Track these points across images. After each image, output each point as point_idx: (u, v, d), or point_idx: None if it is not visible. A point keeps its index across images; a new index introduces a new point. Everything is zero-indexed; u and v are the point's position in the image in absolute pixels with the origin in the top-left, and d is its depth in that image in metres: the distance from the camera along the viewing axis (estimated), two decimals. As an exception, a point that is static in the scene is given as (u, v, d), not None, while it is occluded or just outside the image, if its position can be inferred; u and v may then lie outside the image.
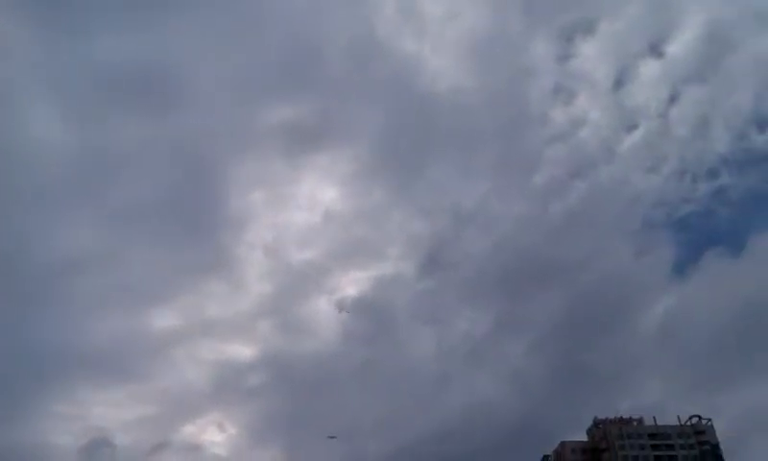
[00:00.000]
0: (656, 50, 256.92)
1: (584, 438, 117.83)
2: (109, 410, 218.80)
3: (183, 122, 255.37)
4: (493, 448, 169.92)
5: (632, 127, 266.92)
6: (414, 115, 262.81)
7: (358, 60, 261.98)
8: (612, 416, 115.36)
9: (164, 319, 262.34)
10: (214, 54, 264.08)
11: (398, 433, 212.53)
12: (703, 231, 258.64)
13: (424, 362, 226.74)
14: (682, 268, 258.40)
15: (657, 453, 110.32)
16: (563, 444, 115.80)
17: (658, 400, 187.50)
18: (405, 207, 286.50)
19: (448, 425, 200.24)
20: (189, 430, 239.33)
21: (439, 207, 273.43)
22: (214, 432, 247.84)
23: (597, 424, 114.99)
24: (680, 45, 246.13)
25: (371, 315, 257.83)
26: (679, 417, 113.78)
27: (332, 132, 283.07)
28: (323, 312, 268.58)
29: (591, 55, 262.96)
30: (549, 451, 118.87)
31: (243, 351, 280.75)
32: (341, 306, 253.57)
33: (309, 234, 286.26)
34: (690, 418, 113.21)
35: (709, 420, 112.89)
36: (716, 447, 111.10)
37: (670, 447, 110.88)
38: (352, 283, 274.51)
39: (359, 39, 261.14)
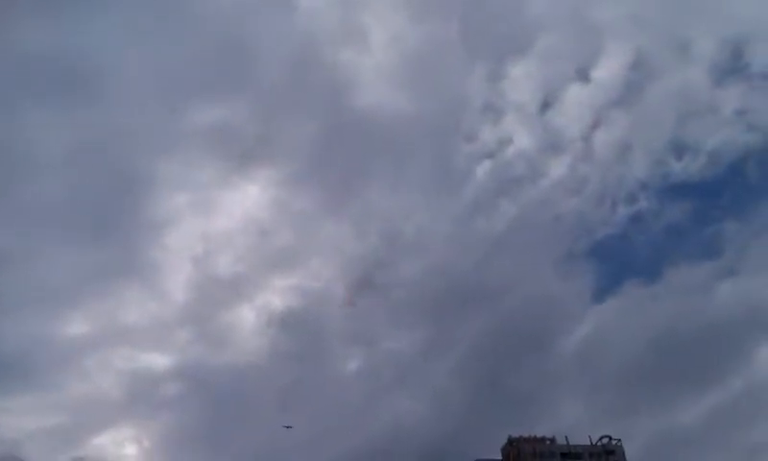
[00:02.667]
0: (583, 74, 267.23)
1: (499, 457, 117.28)
2: (14, 419, 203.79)
3: (102, 118, 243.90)
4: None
5: (557, 149, 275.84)
6: (347, 129, 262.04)
7: (294, 67, 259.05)
8: (526, 435, 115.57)
9: (76, 324, 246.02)
10: (139, 48, 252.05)
11: (324, 452, 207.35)
12: (622, 258, 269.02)
13: (351, 382, 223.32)
14: (601, 294, 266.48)
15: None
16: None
17: (573, 422, 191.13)
18: (336, 223, 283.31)
19: (373, 445, 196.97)
20: (101, 442, 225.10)
21: (372, 229, 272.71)
22: (127, 445, 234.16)
23: (511, 442, 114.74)
24: (606, 71, 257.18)
25: (298, 330, 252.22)
26: (590, 437, 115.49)
27: (263, 138, 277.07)
28: (246, 323, 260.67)
29: (520, 76, 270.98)
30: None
31: (159, 360, 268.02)
32: (270, 322, 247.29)
33: (234, 242, 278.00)
34: (601, 438, 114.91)
35: (619, 440, 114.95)
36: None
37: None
38: (278, 295, 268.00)
39: (297, 47, 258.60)
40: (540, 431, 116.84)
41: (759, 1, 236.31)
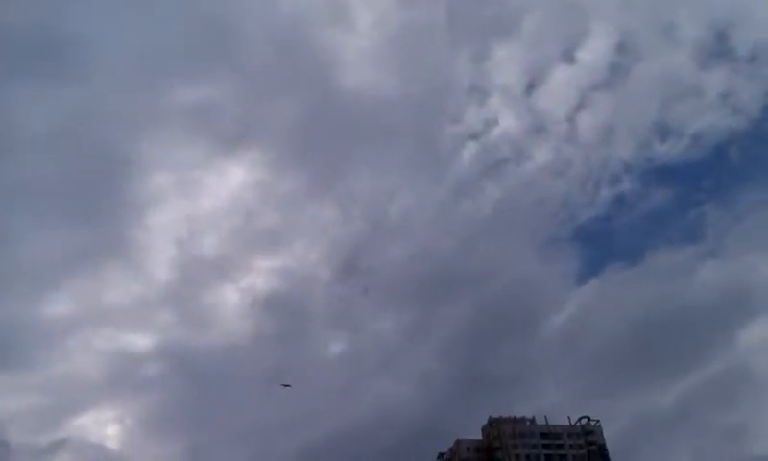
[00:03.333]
0: (568, 55, 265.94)
1: (480, 437, 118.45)
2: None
3: (86, 96, 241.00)
4: (398, 448, 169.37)
5: (542, 131, 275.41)
6: (333, 111, 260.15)
7: (280, 48, 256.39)
8: (506, 416, 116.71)
9: (57, 305, 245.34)
10: (121, 25, 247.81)
11: (306, 433, 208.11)
12: (604, 241, 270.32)
13: (335, 364, 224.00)
14: (583, 277, 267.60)
15: (547, 452, 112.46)
16: (457, 442, 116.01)
17: (554, 404, 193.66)
18: (322, 205, 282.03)
19: (356, 426, 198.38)
20: (82, 422, 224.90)
21: (357, 211, 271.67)
22: (109, 425, 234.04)
23: (491, 423, 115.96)
24: (591, 52, 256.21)
25: (282, 313, 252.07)
26: (569, 418, 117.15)
27: (247, 119, 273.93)
28: (229, 305, 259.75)
29: (506, 57, 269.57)
30: (445, 450, 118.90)
31: (141, 340, 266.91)
32: (254, 304, 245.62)
33: (218, 223, 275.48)
34: (580, 419, 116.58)
35: (597, 421, 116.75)
36: (603, 447, 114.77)
37: (560, 446, 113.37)
38: (262, 277, 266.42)
39: (282, 28, 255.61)
40: (521, 412, 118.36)
41: None
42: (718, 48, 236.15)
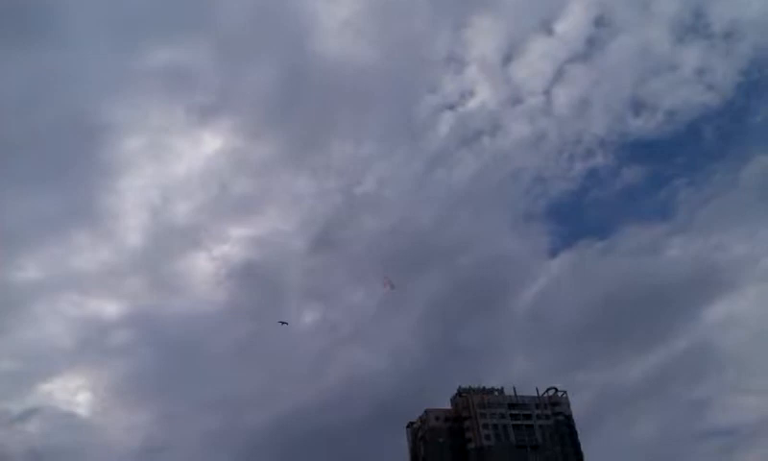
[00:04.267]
0: (546, 28, 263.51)
1: (449, 407, 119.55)
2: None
3: (54, 57, 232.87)
4: (369, 418, 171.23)
5: (518, 102, 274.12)
6: (310, 79, 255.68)
7: (257, 12, 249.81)
8: (475, 386, 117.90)
9: (25, 270, 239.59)
10: None
11: (278, 404, 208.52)
12: (577, 216, 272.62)
13: (308, 335, 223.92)
14: (555, 252, 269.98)
15: (515, 422, 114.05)
16: (427, 411, 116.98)
17: (524, 376, 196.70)
18: (297, 175, 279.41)
19: (329, 397, 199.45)
20: (50, 389, 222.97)
21: (333, 182, 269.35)
22: (78, 393, 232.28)
23: (460, 393, 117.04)
24: (569, 24, 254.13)
25: (255, 282, 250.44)
26: (537, 389, 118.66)
27: (221, 83, 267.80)
28: (202, 273, 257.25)
29: (484, 28, 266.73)
30: (415, 419, 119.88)
31: (110, 307, 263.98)
32: (226, 273, 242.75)
33: (190, 190, 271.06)
34: (547, 390, 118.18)
35: (564, 392, 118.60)
36: (569, 418, 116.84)
37: (528, 416, 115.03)
38: (236, 246, 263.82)
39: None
40: (491, 384, 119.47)
41: None
42: (695, 23, 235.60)
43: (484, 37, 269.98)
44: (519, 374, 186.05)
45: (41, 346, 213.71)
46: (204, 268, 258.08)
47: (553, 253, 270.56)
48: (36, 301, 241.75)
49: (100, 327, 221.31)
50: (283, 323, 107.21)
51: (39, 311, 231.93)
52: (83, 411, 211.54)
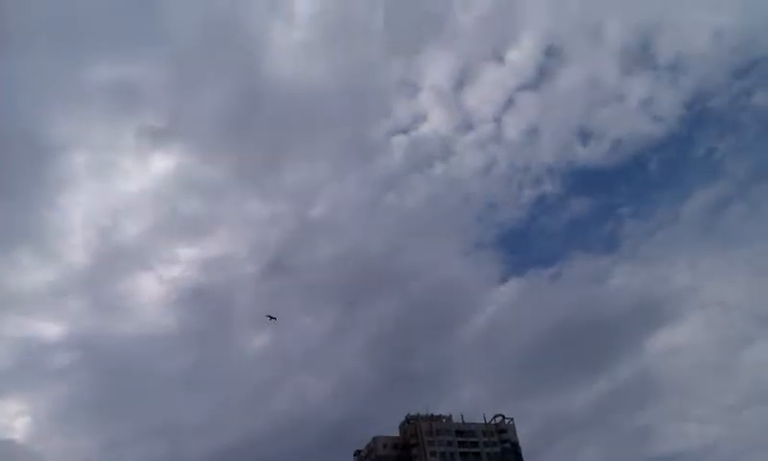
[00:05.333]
0: (497, 55, 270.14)
1: (397, 434, 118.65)
2: None
3: None
4: (317, 446, 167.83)
5: (469, 128, 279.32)
6: (262, 98, 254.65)
7: (209, 28, 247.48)
8: (423, 413, 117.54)
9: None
10: None
11: (225, 433, 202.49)
12: (525, 244, 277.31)
13: (257, 361, 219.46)
14: (503, 280, 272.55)
15: (462, 450, 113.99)
16: (375, 439, 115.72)
17: (472, 403, 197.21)
18: (247, 197, 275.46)
19: (278, 426, 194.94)
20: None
21: (284, 205, 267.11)
22: (16, 417, 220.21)
23: (409, 420, 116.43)
24: (520, 53, 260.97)
25: (203, 305, 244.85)
26: (484, 416, 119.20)
27: (171, 100, 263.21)
28: (147, 295, 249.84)
29: (437, 55, 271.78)
30: (362, 447, 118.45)
31: (51, 328, 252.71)
32: (174, 296, 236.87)
33: (136, 209, 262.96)
34: (494, 417, 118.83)
35: (511, 419, 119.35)
36: (516, 445, 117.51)
37: (475, 443, 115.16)
38: (183, 268, 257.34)
39: (215, 8, 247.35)
40: (439, 411, 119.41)
41: None
42: (641, 55, 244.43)
43: (436, 64, 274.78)
44: (468, 401, 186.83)
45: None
46: (152, 290, 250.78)
47: (503, 279, 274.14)
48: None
49: (41, 349, 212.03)
50: (272, 317, 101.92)
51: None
52: (20, 437, 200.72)
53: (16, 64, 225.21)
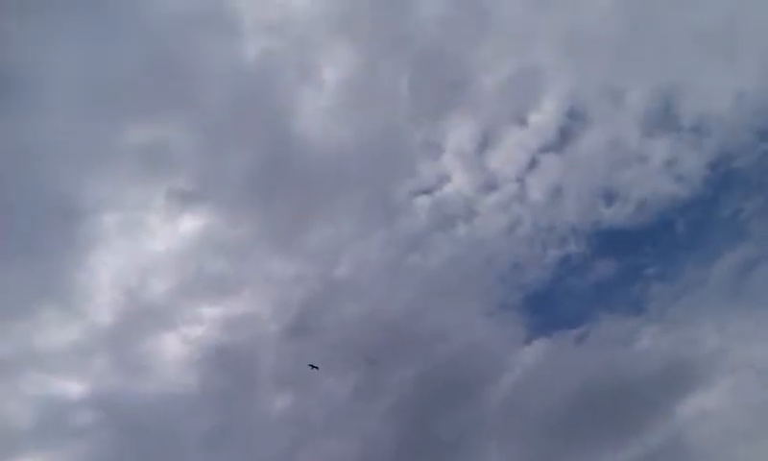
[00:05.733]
0: (519, 118, 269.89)
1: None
2: None
3: (27, 128, 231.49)
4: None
5: (491, 188, 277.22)
6: (289, 161, 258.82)
7: (239, 90, 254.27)
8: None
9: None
10: (71, 55, 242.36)
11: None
12: (550, 304, 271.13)
13: (279, 424, 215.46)
14: (529, 342, 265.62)
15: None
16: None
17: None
18: (273, 258, 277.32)
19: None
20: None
21: (308, 266, 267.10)
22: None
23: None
24: (542, 115, 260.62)
25: (225, 366, 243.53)
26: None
27: (200, 162, 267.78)
28: (171, 354, 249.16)
29: (460, 117, 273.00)
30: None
31: (74, 387, 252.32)
32: (197, 356, 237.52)
33: (163, 268, 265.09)
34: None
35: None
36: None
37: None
38: (207, 328, 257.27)
39: (244, 74, 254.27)
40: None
41: (690, 54, 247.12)
42: (664, 117, 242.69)
43: (460, 126, 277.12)
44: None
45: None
46: (175, 349, 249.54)
47: (528, 341, 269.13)
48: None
49: (62, 408, 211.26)
50: (313, 367, 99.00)
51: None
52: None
53: (50, 126, 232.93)
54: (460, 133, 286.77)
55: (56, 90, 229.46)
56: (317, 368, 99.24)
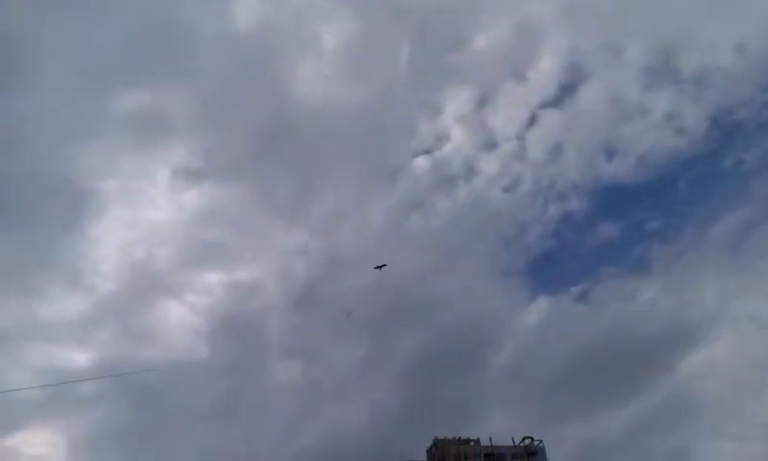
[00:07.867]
0: (519, 74, 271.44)
1: (425, 458, 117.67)
2: None
3: (23, 100, 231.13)
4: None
5: (491, 146, 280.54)
6: (287, 125, 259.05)
7: (236, 56, 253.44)
8: (450, 436, 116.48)
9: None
10: (63, 26, 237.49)
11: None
12: (552, 263, 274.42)
13: (288, 392, 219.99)
14: (532, 303, 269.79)
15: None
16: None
17: (501, 430, 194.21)
18: (277, 227, 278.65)
19: (306, 456, 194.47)
20: (14, 443, 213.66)
21: (313, 236, 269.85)
22: (42, 447, 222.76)
23: (436, 444, 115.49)
24: (541, 71, 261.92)
25: (231, 334, 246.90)
26: (513, 438, 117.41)
27: (197, 128, 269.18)
28: (176, 323, 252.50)
29: (459, 75, 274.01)
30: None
31: (78, 357, 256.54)
32: (204, 324, 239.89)
33: (165, 236, 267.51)
34: (523, 439, 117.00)
35: (540, 441, 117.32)
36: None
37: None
38: (212, 296, 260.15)
39: (239, 36, 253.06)
40: (467, 435, 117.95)
41: (690, 7, 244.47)
42: (664, 70, 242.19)
43: (459, 85, 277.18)
44: (498, 427, 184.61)
45: (4, 397, 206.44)
46: (180, 318, 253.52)
47: (530, 304, 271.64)
48: (1, 351, 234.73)
49: (69, 378, 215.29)
50: (380, 267, 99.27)
51: (2, 361, 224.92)
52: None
53: (44, 97, 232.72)
54: (459, 92, 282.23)
55: (49, 59, 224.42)
56: (384, 265, 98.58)
